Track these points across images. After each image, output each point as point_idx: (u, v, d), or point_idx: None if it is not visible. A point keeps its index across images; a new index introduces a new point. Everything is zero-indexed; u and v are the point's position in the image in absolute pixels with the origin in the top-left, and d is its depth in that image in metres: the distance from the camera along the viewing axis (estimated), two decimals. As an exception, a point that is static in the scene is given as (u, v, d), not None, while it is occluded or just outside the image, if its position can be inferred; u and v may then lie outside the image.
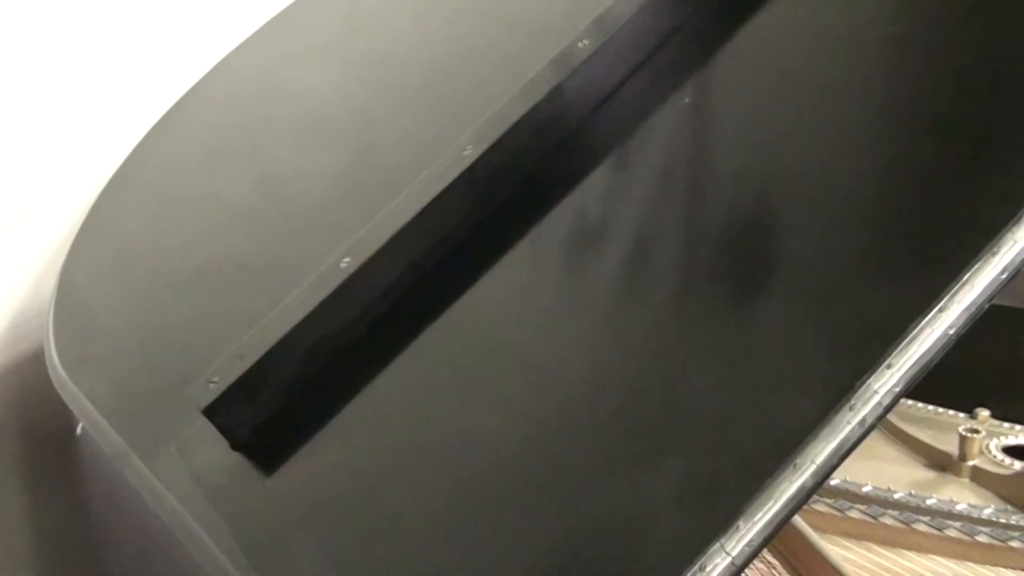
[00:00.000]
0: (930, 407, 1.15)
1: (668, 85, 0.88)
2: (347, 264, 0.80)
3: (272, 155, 1.01)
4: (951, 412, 1.14)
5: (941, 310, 0.63)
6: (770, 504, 0.59)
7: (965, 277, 0.63)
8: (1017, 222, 0.64)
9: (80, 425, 0.90)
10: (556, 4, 0.99)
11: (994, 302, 0.65)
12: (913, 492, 0.99)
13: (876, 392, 0.62)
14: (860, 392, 0.61)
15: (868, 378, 0.61)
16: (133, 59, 1.13)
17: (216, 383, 0.75)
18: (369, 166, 0.96)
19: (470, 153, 0.83)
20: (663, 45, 0.89)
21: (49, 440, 1.07)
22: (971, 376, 1.12)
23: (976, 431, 1.05)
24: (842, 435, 0.61)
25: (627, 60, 0.88)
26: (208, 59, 1.15)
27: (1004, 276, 0.64)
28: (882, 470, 1.04)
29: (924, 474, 1.06)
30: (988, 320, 0.66)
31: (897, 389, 0.62)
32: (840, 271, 0.67)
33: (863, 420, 0.61)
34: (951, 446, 1.06)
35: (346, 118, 1.02)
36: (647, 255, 0.79)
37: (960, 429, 1.06)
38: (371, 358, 0.79)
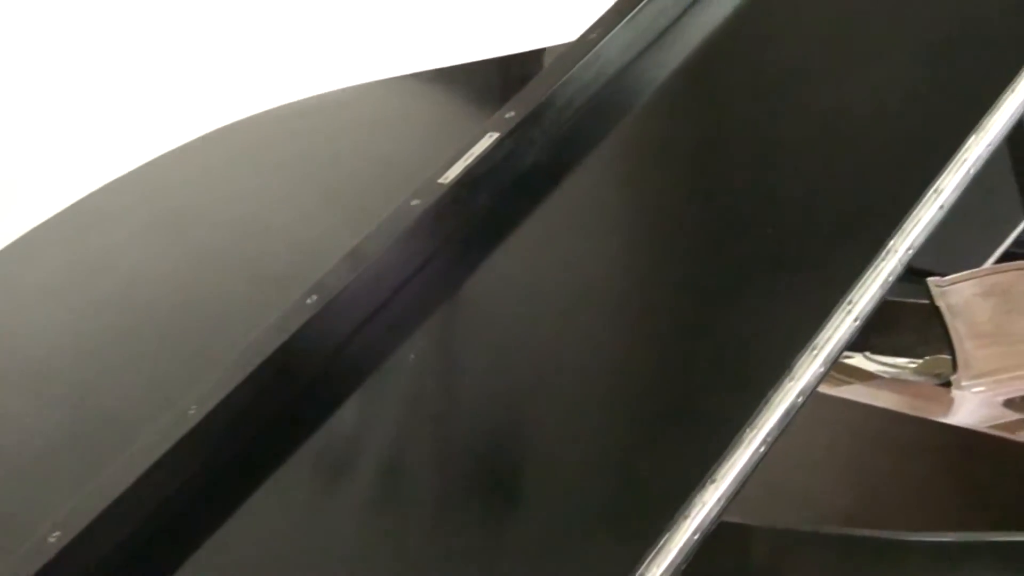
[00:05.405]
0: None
1: (401, 333, 0.91)
2: (56, 539, 0.76)
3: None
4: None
5: (642, 576, 0.66)
6: None
7: (661, 543, 0.67)
8: (704, 486, 0.69)
9: None
10: (293, 252, 1.02)
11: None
12: None
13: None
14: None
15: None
16: None
17: None
18: (94, 418, 0.93)
19: (195, 413, 0.82)
20: (396, 295, 0.92)
21: None
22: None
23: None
24: None
25: (357, 311, 0.91)
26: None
27: (697, 538, 0.68)
28: None
29: None
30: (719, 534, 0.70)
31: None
32: (539, 547, 0.70)
33: None
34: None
35: (71, 366, 0.99)
36: (388, 503, 0.80)
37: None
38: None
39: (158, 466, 0.79)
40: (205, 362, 0.89)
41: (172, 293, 1.03)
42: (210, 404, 0.82)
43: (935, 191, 0.78)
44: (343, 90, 1.26)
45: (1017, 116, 0.80)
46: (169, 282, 1.05)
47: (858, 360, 1.66)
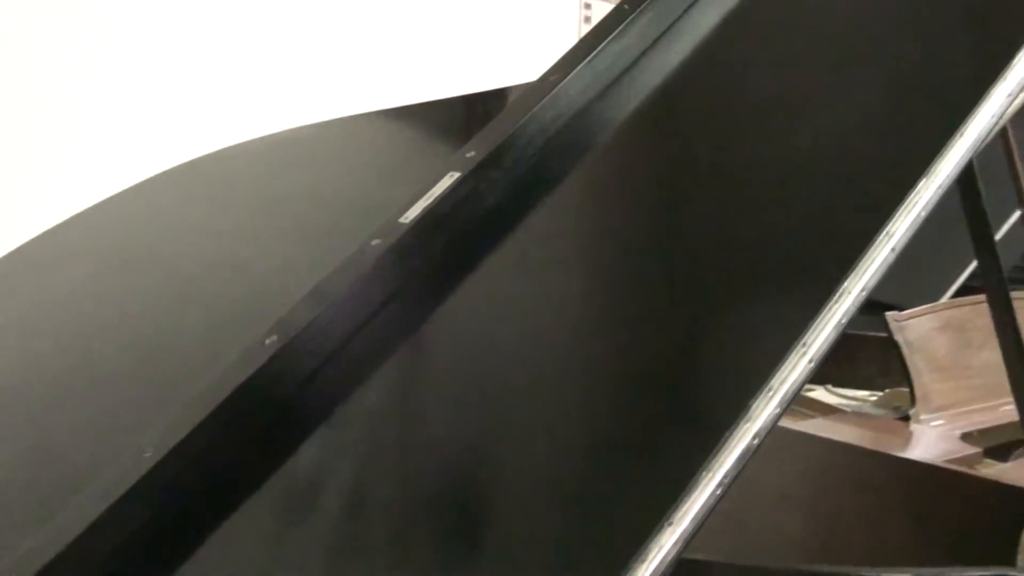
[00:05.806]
0: None
1: (361, 374, 0.91)
2: (8, 586, 0.75)
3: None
4: None
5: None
6: None
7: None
8: (661, 529, 0.69)
9: None
10: (254, 290, 1.01)
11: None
12: None
13: None
14: None
15: None
16: None
17: None
18: (49, 456, 0.91)
19: (151, 456, 0.82)
20: (356, 335, 0.92)
21: None
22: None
23: None
24: None
25: (317, 352, 0.90)
26: None
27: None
28: None
29: None
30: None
31: None
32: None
33: None
34: None
35: (27, 403, 0.98)
36: (346, 546, 0.79)
37: None
38: None
39: (113, 510, 0.78)
40: (163, 401, 0.88)
41: (130, 331, 1.02)
42: (167, 447, 0.81)
43: (887, 234, 0.79)
44: (304, 127, 1.26)
45: (966, 160, 0.82)
46: (126, 320, 1.04)
47: (819, 393, 1.68)
